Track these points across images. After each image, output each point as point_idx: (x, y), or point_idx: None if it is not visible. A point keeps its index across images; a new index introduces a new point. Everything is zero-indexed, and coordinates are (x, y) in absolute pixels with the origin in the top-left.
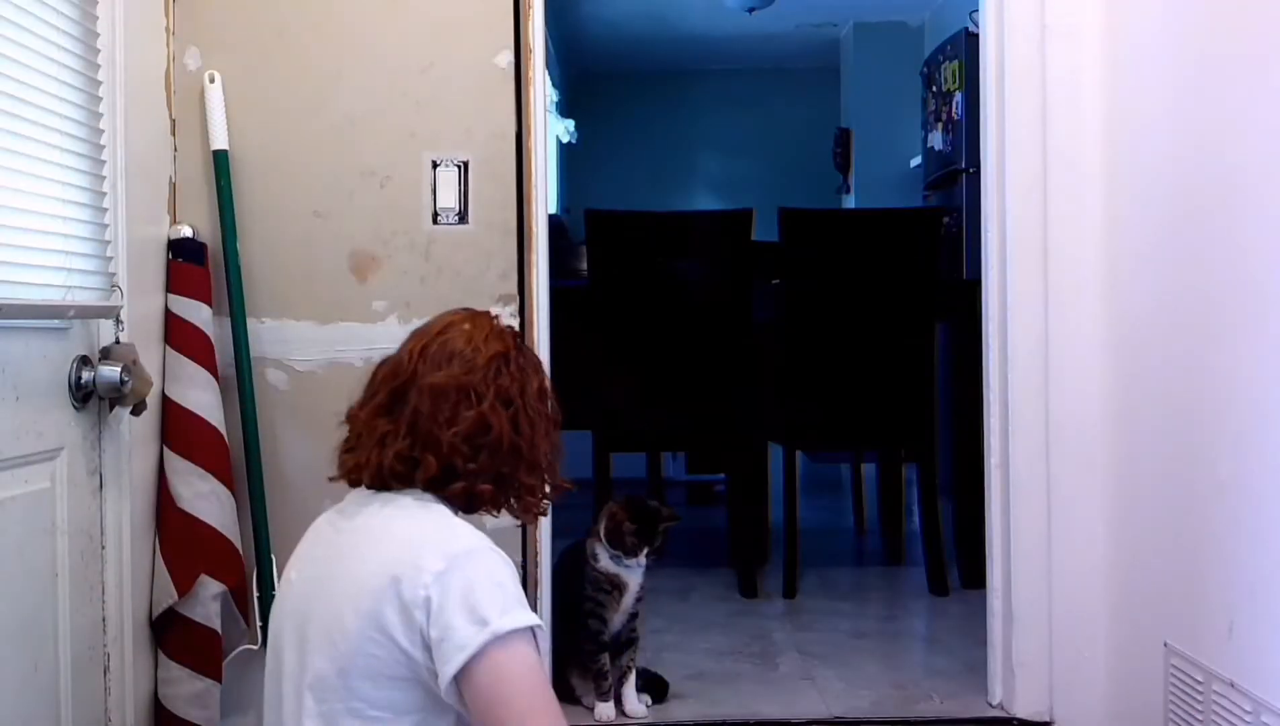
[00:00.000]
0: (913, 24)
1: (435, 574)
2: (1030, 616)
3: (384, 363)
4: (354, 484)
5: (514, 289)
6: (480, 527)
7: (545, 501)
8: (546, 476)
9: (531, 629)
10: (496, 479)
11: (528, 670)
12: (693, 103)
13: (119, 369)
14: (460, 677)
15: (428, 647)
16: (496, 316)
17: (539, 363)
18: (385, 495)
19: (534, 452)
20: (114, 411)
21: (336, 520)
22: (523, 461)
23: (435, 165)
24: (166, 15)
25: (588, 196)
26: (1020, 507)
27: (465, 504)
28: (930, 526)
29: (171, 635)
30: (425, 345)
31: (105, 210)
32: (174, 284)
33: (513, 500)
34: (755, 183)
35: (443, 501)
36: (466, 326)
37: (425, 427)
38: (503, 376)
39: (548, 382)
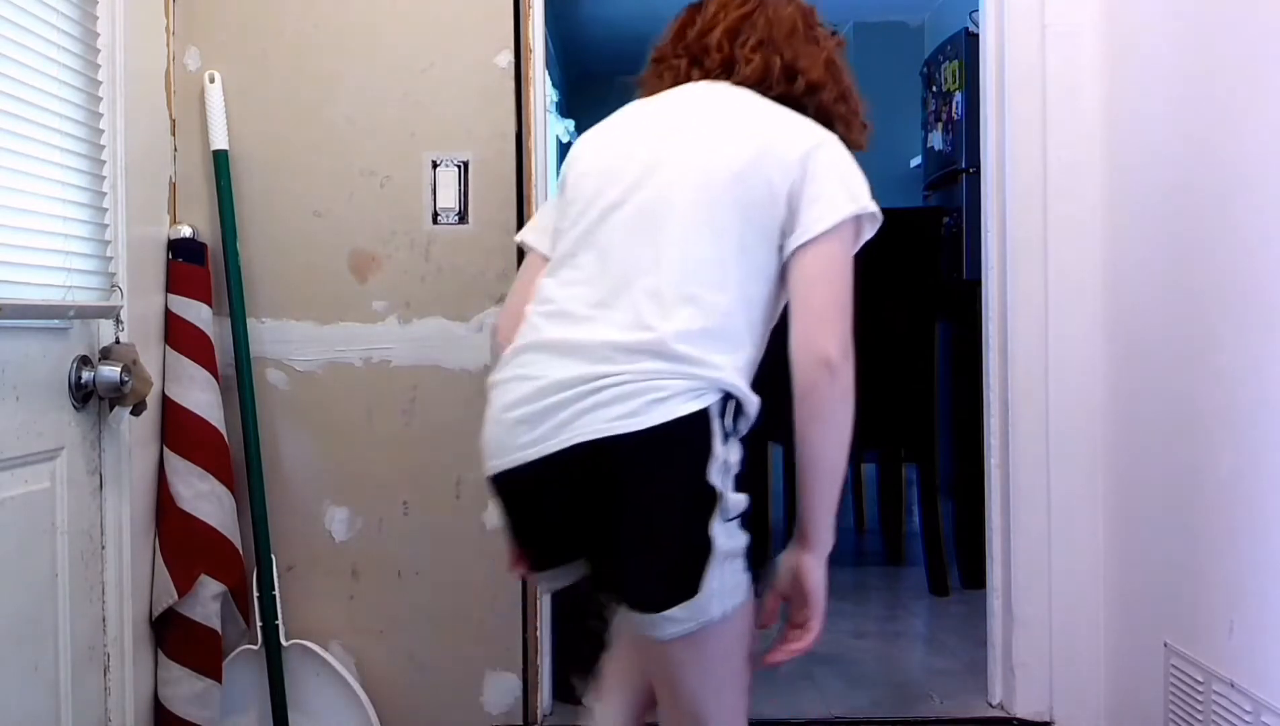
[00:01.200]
0: (913, 24)
1: (812, 143)
2: (1030, 616)
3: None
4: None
5: None
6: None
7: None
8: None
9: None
10: (837, 105)
11: (849, 259)
12: None
13: (119, 369)
14: (812, 241)
15: (793, 204)
16: None
17: None
18: (722, 85)
19: (857, 104)
20: (114, 411)
21: (656, 101)
22: (849, 106)
23: (435, 165)
24: (166, 15)
25: None
26: (1020, 507)
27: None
28: (930, 526)
29: (171, 635)
30: None
31: (105, 210)
32: (174, 284)
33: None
34: None
35: None
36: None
37: (783, 53)
38: (835, 36)
39: None
